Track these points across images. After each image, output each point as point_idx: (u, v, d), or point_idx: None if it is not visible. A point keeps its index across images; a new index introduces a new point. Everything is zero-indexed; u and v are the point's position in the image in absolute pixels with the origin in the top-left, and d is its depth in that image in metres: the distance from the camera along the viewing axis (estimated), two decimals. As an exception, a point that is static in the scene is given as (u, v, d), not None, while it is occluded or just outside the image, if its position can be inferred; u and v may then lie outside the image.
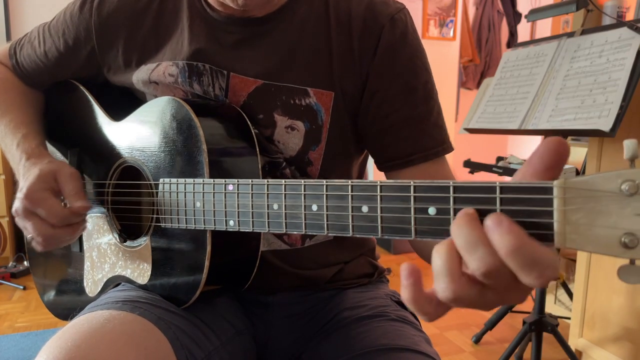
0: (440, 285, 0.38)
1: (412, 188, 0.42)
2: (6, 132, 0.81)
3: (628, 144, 0.33)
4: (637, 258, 0.33)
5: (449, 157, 0.75)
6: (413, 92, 0.72)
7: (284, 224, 0.52)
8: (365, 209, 0.45)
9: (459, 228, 0.37)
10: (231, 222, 0.57)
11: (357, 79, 0.72)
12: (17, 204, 0.70)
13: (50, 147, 0.87)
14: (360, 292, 0.82)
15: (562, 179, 0.35)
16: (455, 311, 2.33)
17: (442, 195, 0.41)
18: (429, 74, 0.74)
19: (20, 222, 0.72)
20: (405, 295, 0.39)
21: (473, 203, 0.39)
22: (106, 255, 0.79)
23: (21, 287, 2.53)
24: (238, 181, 0.56)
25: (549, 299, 2.24)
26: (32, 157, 0.76)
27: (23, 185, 0.70)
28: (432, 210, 0.41)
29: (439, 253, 0.38)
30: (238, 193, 0.56)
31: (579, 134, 1.80)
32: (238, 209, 0.56)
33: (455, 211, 0.40)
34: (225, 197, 0.58)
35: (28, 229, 0.71)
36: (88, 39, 0.79)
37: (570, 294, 2.10)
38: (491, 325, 2.02)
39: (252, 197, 0.54)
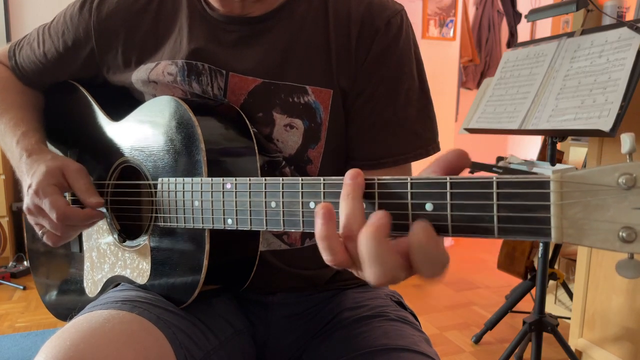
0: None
1: (409, 184, 0.42)
2: (6, 131, 0.82)
3: (626, 138, 0.33)
4: (636, 252, 0.32)
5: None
6: (395, 97, 0.73)
7: (281, 221, 0.52)
8: None
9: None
10: (229, 221, 0.57)
11: (351, 78, 0.72)
12: (28, 201, 0.71)
13: (51, 148, 0.87)
14: (360, 293, 0.82)
15: (559, 173, 0.34)
16: (455, 311, 2.33)
17: (439, 190, 0.41)
18: (413, 81, 0.74)
19: (33, 219, 0.73)
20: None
21: (470, 198, 0.39)
22: (106, 256, 0.79)
23: (21, 287, 2.53)
24: (236, 179, 0.56)
25: (549, 299, 2.24)
26: (33, 154, 0.76)
27: (32, 181, 0.71)
28: (429, 206, 0.41)
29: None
30: (236, 191, 0.56)
31: (579, 134, 1.80)
32: (236, 207, 0.56)
33: (452, 206, 0.40)
34: (223, 196, 0.58)
35: (43, 224, 0.71)
36: (87, 39, 0.79)
37: (570, 294, 2.10)
38: (491, 325, 2.02)
39: (250, 195, 0.54)
